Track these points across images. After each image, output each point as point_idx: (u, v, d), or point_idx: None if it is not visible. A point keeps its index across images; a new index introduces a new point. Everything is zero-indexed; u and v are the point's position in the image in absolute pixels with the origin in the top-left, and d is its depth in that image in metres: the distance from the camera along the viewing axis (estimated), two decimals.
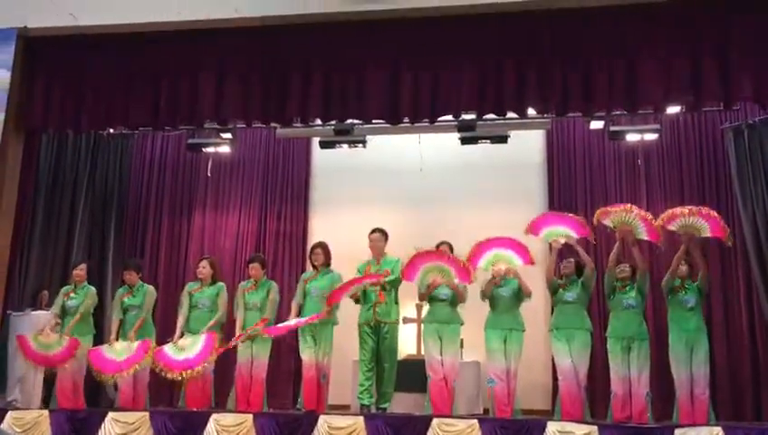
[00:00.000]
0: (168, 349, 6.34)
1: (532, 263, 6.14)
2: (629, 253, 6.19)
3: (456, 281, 6.10)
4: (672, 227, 5.90)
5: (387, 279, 6.30)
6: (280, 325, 6.40)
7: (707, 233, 5.85)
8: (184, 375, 6.12)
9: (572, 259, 6.24)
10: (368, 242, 6.56)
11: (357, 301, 6.43)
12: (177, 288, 8.08)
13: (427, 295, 6.29)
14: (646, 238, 5.96)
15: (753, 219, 7.55)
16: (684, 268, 6.05)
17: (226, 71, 6.53)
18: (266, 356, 6.49)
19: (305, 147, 9.32)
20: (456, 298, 6.25)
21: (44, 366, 6.60)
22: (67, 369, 6.48)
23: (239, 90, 6.48)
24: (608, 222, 6.02)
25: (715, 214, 5.90)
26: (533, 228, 6.17)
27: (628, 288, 6.03)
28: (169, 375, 6.13)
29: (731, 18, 5.89)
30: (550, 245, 6.24)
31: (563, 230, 6.10)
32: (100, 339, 7.14)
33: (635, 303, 5.96)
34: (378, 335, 6.30)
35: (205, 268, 6.76)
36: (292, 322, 6.34)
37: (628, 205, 6.03)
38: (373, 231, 6.56)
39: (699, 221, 5.80)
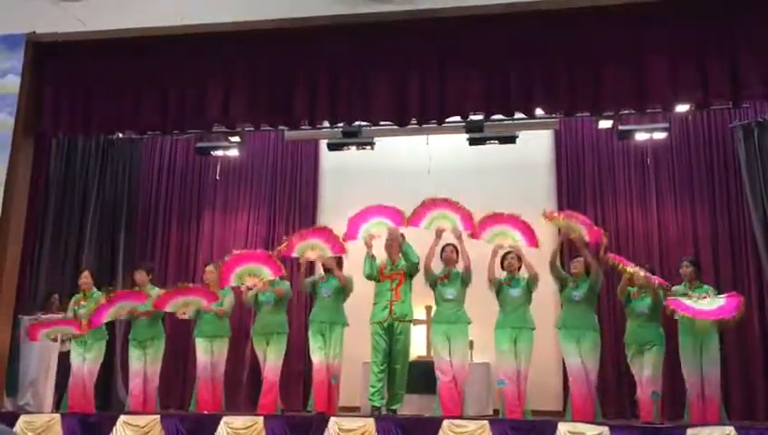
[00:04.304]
0: None
1: (537, 246, 6.15)
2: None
3: (461, 229, 6.19)
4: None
5: (406, 250, 6.35)
6: None
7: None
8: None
9: (582, 258, 6.21)
10: (379, 242, 6.53)
11: (369, 277, 6.41)
12: None
13: (435, 283, 6.27)
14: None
15: (764, 218, 7.52)
16: (690, 270, 6.04)
17: (234, 74, 6.55)
18: (277, 359, 6.44)
19: (313, 149, 9.34)
20: (465, 288, 6.22)
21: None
22: (80, 371, 6.50)
23: (246, 93, 6.50)
24: (630, 269, 5.95)
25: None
26: (551, 215, 6.20)
27: (643, 295, 6.00)
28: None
29: (739, 17, 5.87)
30: (558, 230, 6.29)
31: (578, 227, 6.08)
32: (112, 343, 7.18)
33: (648, 311, 5.92)
34: (390, 337, 6.29)
35: (211, 273, 6.79)
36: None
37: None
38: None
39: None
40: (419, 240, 6.43)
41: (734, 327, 7.54)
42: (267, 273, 6.24)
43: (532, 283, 6.15)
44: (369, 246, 6.37)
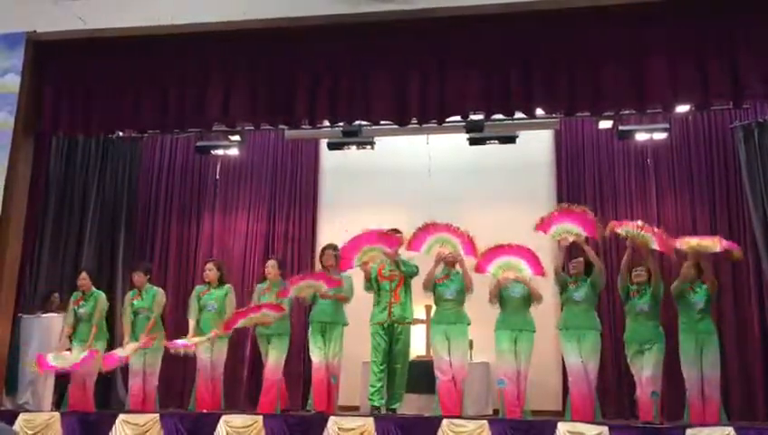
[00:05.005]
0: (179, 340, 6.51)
1: (543, 274, 6.07)
2: (640, 258, 6.12)
3: (463, 254, 6.10)
4: (682, 247, 5.89)
5: (404, 269, 6.34)
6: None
7: (718, 248, 5.86)
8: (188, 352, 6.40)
9: (581, 258, 6.21)
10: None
11: (369, 288, 6.43)
12: (186, 291, 8.10)
13: (435, 274, 6.23)
14: (657, 249, 5.93)
15: (764, 218, 7.51)
16: (692, 271, 6.02)
17: (234, 73, 6.55)
18: (278, 358, 6.45)
19: (314, 149, 9.34)
20: (464, 292, 6.21)
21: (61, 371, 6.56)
22: (79, 370, 6.51)
23: (247, 91, 6.50)
24: (620, 231, 5.98)
25: (723, 240, 5.93)
26: (544, 226, 6.11)
27: (642, 292, 5.99)
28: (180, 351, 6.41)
29: (739, 17, 5.86)
30: (558, 242, 6.20)
31: (572, 228, 6.05)
32: (112, 343, 7.19)
33: (648, 308, 5.92)
34: (390, 337, 6.31)
35: (211, 271, 6.79)
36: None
37: (640, 222, 6.01)
38: (389, 231, 6.56)
39: (708, 242, 5.83)
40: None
41: (734, 327, 7.64)
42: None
43: (534, 300, 6.17)
44: (365, 271, 6.38)
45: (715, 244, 5.83)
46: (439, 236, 6.13)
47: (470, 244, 6.09)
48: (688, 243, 5.87)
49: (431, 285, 6.26)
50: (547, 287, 6.43)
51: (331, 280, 6.26)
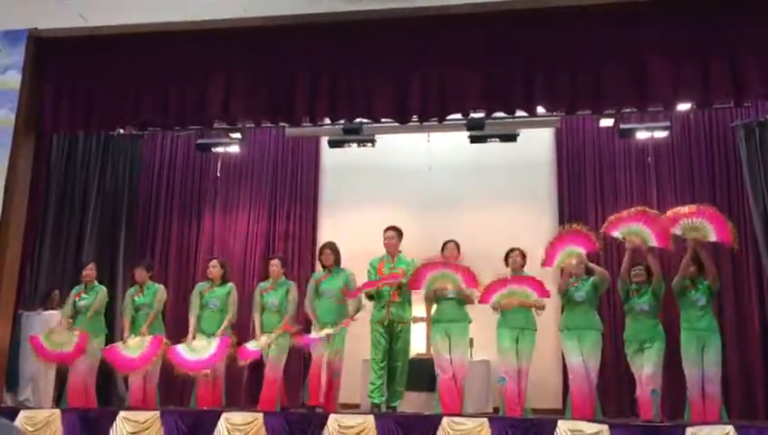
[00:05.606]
0: (180, 348, 6.45)
1: (549, 295, 6.06)
2: (641, 257, 6.11)
3: (463, 287, 6.08)
4: (677, 232, 5.87)
5: (405, 289, 6.33)
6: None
7: (713, 237, 5.83)
8: (191, 375, 6.32)
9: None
10: (380, 240, 6.56)
11: (371, 297, 6.45)
12: (187, 289, 8.10)
13: (434, 299, 6.28)
14: (656, 245, 5.93)
15: (765, 217, 7.50)
16: (693, 268, 6.01)
17: (235, 70, 6.54)
18: (279, 357, 6.47)
19: (314, 147, 9.34)
20: (464, 298, 6.22)
21: (57, 363, 6.66)
22: (78, 367, 6.51)
23: (247, 89, 6.49)
24: (616, 234, 5.98)
25: (719, 215, 5.89)
26: (548, 260, 6.07)
27: (642, 292, 6.00)
28: (182, 371, 6.36)
29: (740, 16, 5.86)
30: (561, 269, 6.19)
31: (573, 250, 6.03)
32: (111, 339, 7.18)
33: (648, 307, 5.93)
34: (390, 335, 6.31)
35: (215, 268, 6.79)
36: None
37: (640, 208, 5.99)
38: (388, 229, 6.58)
39: (703, 223, 5.79)
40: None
41: (735, 324, 7.63)
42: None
43: (537, 309, 6.18)
44: (368, 295, 6.42)
45: (706, 229, 5.81)
46: (440, 272, 6.09)
47: (471, 278, 6.05)
48: (681, 223, 5.84)
49: (432, 298, 6.28)
50: (548, 286, 6.43)
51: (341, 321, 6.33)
